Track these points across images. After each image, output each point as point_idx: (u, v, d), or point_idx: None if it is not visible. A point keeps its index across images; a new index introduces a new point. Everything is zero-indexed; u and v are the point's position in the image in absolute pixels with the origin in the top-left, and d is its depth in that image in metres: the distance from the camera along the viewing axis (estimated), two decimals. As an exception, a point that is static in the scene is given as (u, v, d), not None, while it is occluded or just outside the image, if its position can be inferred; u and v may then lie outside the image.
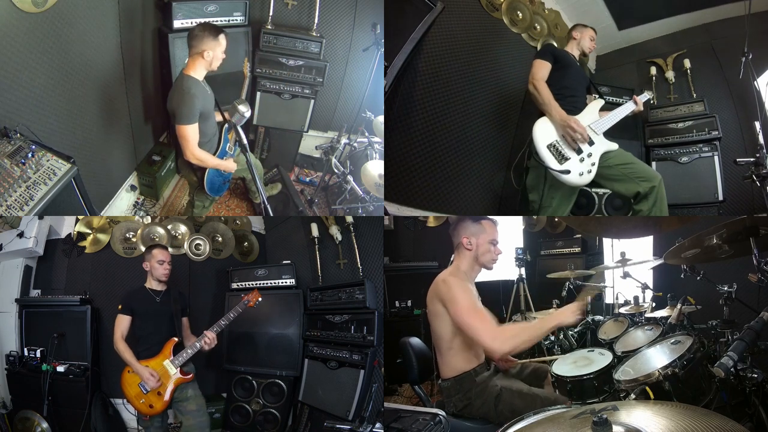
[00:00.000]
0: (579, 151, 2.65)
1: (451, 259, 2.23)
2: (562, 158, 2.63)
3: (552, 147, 2.64)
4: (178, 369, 2.56)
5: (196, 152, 2.61)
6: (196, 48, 2.54)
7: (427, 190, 3.47)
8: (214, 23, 2.75)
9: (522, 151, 3.20)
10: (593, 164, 2.66)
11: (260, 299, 2.79)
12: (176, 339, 2.64)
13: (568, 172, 2.60)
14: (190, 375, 2.63)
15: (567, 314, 1.90)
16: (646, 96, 3.03)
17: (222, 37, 2.58)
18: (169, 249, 2.99)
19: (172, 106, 2.55)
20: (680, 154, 3.60)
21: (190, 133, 2.55)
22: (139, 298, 2.69)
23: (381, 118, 3.53)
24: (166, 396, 2.51)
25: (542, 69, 2.80)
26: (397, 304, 3.84)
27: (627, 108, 2.88)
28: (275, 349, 3.23)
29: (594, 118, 2.76)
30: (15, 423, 2.93)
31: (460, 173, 3.60)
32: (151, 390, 2.49)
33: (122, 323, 2.60)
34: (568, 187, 2.75)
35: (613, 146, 2.72)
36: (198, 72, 2.59)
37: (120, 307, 2.64)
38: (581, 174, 2.62)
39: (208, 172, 2.80)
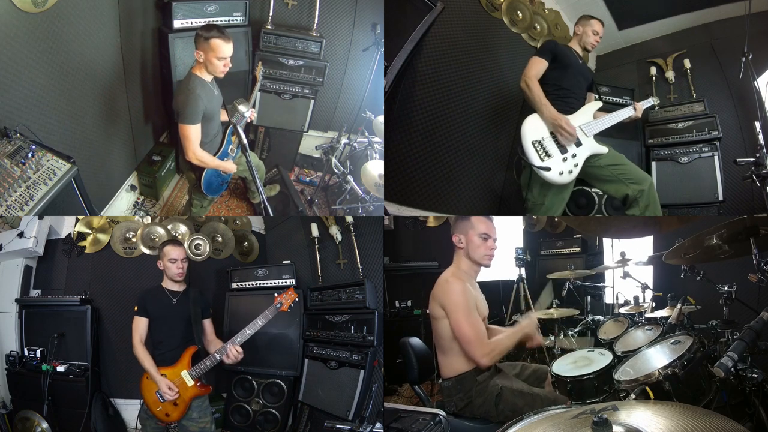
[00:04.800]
0: (563, 150, 2.65)
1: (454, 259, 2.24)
2: (545, 155, 2.63)
3: (537, 143, 2.64)
4: (195, 381, 2.44)
5: (197, 152, 2.60)
6: (196, 48, 2.53)
7: (427, 190, 3.47)
8: (218, 26, 2.62)
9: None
10: (576, 165, 2.66)
11: (297, 299, 2.57)
12: (196, 347, 2.49)
13: (548, 169, 2.60)
14: (208, 387, 2.51)
15: (531, 326, 2.10)
16: (650, 101, 3.01)
17: (215, 42, 2.45)
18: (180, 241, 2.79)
19: (176, 104, 2.55)
20: (680, 154, 3.60)
21: (192, 133, 2.55)
22: (154, 299, 2.53)
23: (381, 118, 3.53)
24: (183, 407, 2.44)
25: (537, 66, 2.75)
26: (397, 304, 3.84)
27: (625, 113, 2.84)
28: (275, 348, 3.23)
29: (587, 119, 2.74)
30: (15, 423, 2.93)
31: (460, 173, 3.60)
32: (168, 401, 2.41)
33: (140, 326, 2.47)
34: (559, 186, 2.75)
35: (602, 150, 2.72)
36: (203, 72, 2.58)
37: (136, 308, 2.49)
38: (561, 173, 2.63)
39: (206, 171, 2.80)
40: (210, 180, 2.84)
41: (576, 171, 2.66)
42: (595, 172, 2.72)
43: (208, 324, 2.66)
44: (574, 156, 2.66)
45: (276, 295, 2.54)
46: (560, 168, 2.62)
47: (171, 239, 2.88)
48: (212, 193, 2.94)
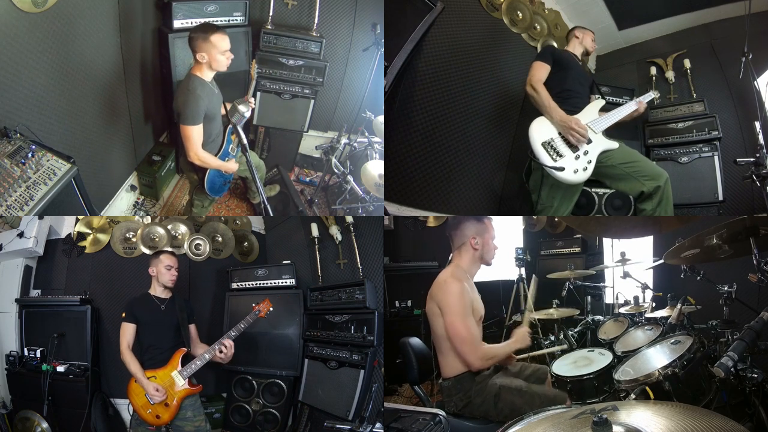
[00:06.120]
0: (575, 149, 2.64)
1: (450, 257, 2.25)
2: (556, 155, 2.62)
3: (547, 144, 2.63)
4: (186, 380, 2.52)
5: (199, 153, 2.60)
6: (193, 51, 2.55)
7: (427, 190, 3.47)
8: (212, 23, 2.70)
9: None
10: (589, 162, 2.64)
11: (271, 309, 2.77)
12: (185, 349, 2.59)
13: (562, 169, 2.58)
14: (198, 386, 2.59)
15: (524, 339, 2.14)
16: (651, 95, 3.02)
17: (216, 38, 2.51)
18: (174, 252, 2.92)
19: (177, 105, 2.55)
20: (680, 154, 3.60)
21: (194, 134, 2.55)
22: (143, 306, 2.61)
23: (381, 118, 3.53)
24: (175, 408, 2.48)
25: (541, 71, 2.80)
26: (397, 304, 3.84)
27: (629, 107, 2.86)
28: (275, 349, 3.23)
29: (593, 116, 2.75)
30: (15, 423, 2.93)
31: (460, 173, 3.60)
32: (157, 402, 2.46)
33: (127, 332, 2.52)
34: (568, 187, 2.75)
35: (613, 145, 2.71)
36: (203, 73, 2.58)
37: (123, 315, 2.55)
38: (576, 171, 2.61)
39: (209, 172, 2.80)
40: (213, 180, 2.84)
41: (590, 168, 2.64)
42: (608, 171, 2.70)
43: (193, 329, 2.76)
44: (586, 153, 2.64)
45: (254, 305, 2.76)
46: (574, 166, 2.60)
47: (164, 249, 3.00)
48: (215, 193, 2.94)
